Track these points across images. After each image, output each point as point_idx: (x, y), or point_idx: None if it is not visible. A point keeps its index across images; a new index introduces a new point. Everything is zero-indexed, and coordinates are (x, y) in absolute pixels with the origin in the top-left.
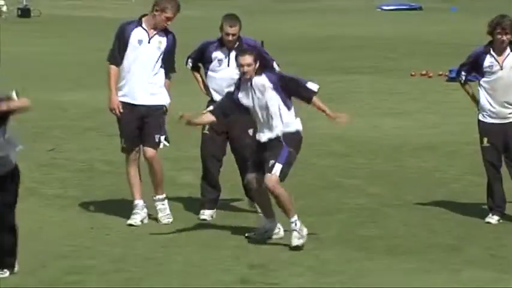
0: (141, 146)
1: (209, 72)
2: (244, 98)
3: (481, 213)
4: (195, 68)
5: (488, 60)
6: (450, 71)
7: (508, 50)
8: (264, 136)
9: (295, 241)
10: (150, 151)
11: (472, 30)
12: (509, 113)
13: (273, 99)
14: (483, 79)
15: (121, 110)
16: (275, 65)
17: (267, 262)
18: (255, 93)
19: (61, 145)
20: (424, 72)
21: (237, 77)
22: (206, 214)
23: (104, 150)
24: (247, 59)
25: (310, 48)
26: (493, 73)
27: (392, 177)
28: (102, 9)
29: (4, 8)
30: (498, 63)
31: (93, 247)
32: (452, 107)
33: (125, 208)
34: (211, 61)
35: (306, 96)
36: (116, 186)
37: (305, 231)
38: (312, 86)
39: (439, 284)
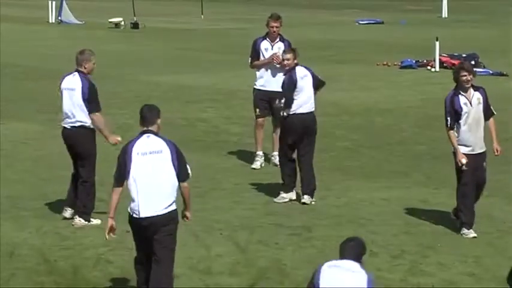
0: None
1: None
2: None
3: (421, 149)
4: None
5: (462, 101)
6: (402, 62)
7: (471, 89)
8: None
9: None
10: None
11: (415, 36)
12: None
13: None
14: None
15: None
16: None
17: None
18: None
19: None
20: (384, 62)
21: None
22: (284, 196)
23: (183, 112)
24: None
25: (313, 47)
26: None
27: (366, 129)
28: (186, 23)
29: (122, 23)
30: (468, 100)
31: None
32: (403, 85)
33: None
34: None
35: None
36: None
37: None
38: None
39: (395, 195)
